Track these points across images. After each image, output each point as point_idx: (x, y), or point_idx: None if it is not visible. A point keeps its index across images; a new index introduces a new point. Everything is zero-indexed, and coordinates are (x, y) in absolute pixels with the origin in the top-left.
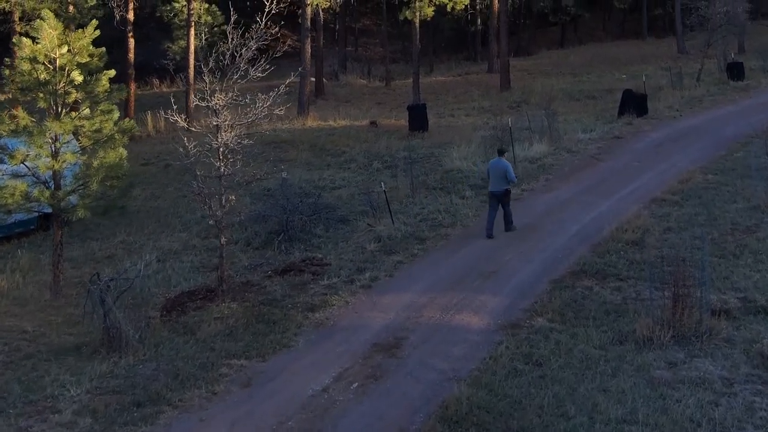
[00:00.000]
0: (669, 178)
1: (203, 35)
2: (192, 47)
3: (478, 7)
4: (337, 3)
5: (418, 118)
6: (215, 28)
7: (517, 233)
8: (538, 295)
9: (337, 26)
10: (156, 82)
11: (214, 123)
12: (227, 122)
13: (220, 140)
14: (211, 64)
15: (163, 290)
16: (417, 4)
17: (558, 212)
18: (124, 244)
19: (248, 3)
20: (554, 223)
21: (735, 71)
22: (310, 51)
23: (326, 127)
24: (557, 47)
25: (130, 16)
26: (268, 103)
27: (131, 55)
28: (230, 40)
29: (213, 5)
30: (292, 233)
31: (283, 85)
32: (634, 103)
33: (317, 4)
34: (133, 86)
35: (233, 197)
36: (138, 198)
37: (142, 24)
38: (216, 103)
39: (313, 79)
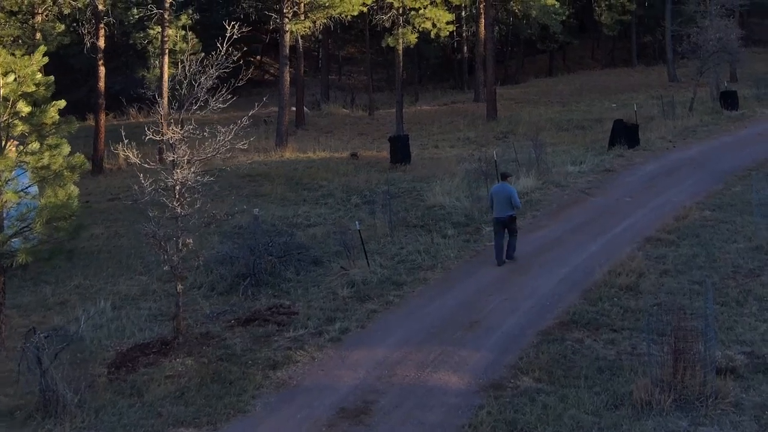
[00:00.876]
0: (664, 215)
1: (179, 63)
2: (166, 76)
3: (464, 34)
4: (318, 30)
5: (400, 150)
6: (192, 56)
7: (502, 277)
8: (523, 350)
9: (320, 54)
10: (133, 111)
11: (169, 159)
12: (185, 157)
13: (175, 177)
14: (166, 95)
15: (116, 342)
16: (400, 30)
17: (546, 253)
18: (80, 289)
19: (233, 29)
20: (542, 265)
21: (729, 100)
22: (288, 80)
23: (305, 159)
24: (546, 75)
25: (101, 43)
26: (229, 137)
27: (102, 84)
28: (188, 67)
29: (190, 32)
30: (259, 277)
31: (246, 117)
32: (625, 134)
33: (296, 32)
34: (103, 116)
35: (190, 240)
36: (100, 237)
37: (120, 51)
38: (171, 137)
39: (294, 108)
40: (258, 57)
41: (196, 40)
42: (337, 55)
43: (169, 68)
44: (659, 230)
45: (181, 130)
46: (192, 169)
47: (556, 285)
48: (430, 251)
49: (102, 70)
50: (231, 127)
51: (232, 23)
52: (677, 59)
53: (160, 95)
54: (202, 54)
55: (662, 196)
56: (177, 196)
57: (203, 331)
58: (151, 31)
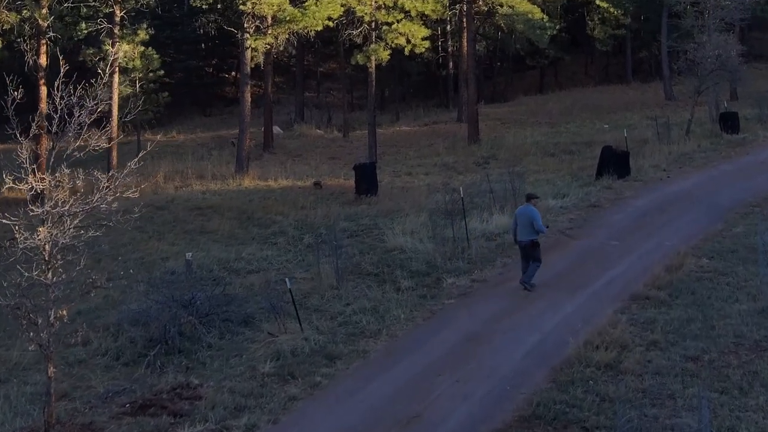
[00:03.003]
0: (654, 264)
1: (137, 82)
2: (116, 97)
3: (450, 49)
4: (280, 47)
5: (365, 180)
6: (151, 74)
7: (457, 349)
8: None
9: (296, 70)
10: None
11: (32, 212)
12: (57, 209)
13: (43, 235)
14: (116, 117)
15: None
16: (371, 47)
17: (513, 315)
18: None
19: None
20: (506, 332)
21: (729, 122)
22: (250, 100)
23: (264, 188)
24: (536, 92)
25: (42, 60)
26: (116, 182)
27: (43, 105)
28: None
29: (149, 48)
30: (173, 343)
31: (135, 162)
32: (614, 162)
33: (258, 48)
34: (44, 141)
35: (64, 311)
36: None
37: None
38: (35, 185)
39: (261, 128)
40: (234, 73)
41: (156, 56)
42: (315, 71)
43: (126, 87)
44: (648, 285)
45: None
46: (71, 224)
47: (522, 360)
48: (379, 310)
49: (43, 90)
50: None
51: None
52: (674, 76)
53: (111, 119)
54: (161, 72)
55: (653, 239)
56: (47, 259)
57: (86, 421)
58: (106, 46)
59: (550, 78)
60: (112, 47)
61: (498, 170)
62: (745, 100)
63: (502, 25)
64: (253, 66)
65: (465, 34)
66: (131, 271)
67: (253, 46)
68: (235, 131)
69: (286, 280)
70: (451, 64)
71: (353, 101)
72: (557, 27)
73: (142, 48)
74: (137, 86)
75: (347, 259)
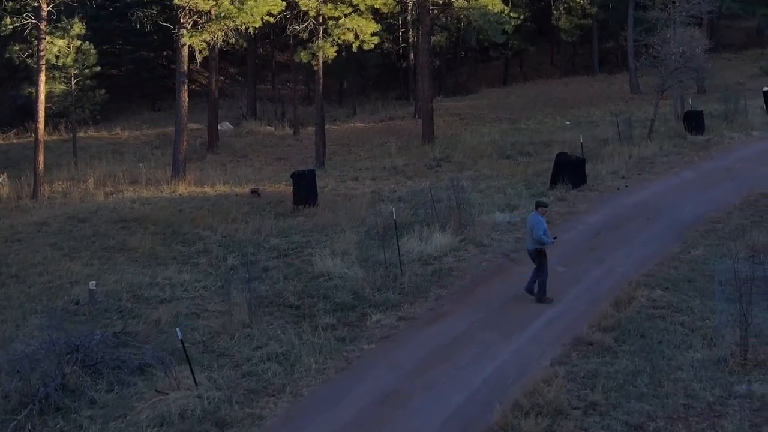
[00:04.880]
0: (602, 297)
1: (72, 78)
2: (42, 95)
3: (411, 40)
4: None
5: (304, 189)
6: (87, 70)
7: (367, 414)
8: None
9: (248, 63)
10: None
11: None
12: None
13: None
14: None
15: None
16: (316, 44)
17: (439, 365)
18: None
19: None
20: (429, 389)
21: (693, 122)
22: (186, 100)
23: (199, 195)
24: (501, 84)
25: None
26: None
27: None
28: None
29: (86, 42)
30: (51, 400)
31: None
32: (569, 171)
33: (194, 45)
34: None
35: None
36: None
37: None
38: None
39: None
40: (190, 65)
41: (93, 52)
42: (270, 62)
43: (60, 84)
44: (593, 325)
45: None
46: None
47: (440, 429)
48: (290, 357)
49: None
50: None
51: None
52: (640, 68)
53: (37, 118)
54: (98, 68)
55: (604, 265)
56: None
57: None
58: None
59: (516, 69)
60: (39, 44)
61: (450, 174)
62: (713, 94)
63: (461, 16)
64: (201, 59)
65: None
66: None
67: (188, 43)
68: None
69: (177, 330)
70: (411, 55)
71: (309, 93)
72: (521, 17)
73: (78, 42)
74: (73, 83)
75: (270, 286)
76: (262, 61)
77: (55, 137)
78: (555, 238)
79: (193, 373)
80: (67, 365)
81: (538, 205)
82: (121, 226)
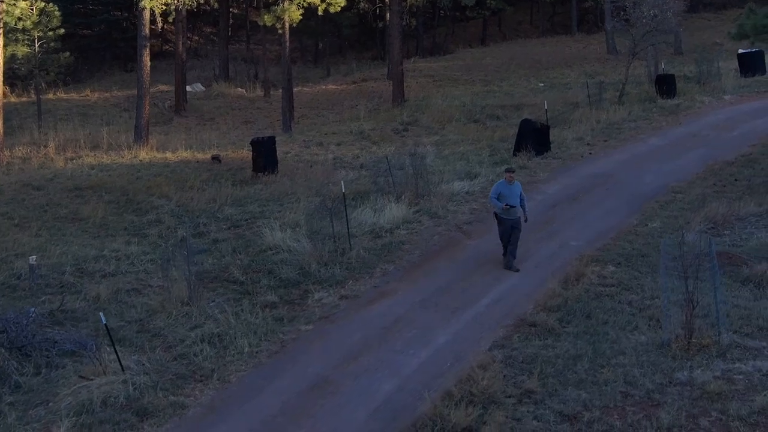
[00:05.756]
0: (551, 275)
1: (36, 41)
2: (0, 59)
3: (387, 0)
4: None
5: (264, 156)
6: (50, 32)
7: (294, 403)
8: None
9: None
10: None
11: None
12: None
13: None
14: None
15: None
16: (280, 6)
17: (373, 350)
18: None
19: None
20: (359, 376)
21: (665, 86)
22: (148, 64)
23: (160, 161)
24: (479, 44)
25: None
26: None
27: None
28: None
29: (50, 4)
30: None
31: None
32: (533, 138)
33: (153, 9)
34: None
35: None
36: None
37: None
38: None
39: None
40: (161, 24)
41: (57, 13)
42: (245, 21)
43: (23, 46)
44: (539, 306)
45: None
46: None
47: (366, 420)
48: (225, 339)
49: None
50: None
51: None
52: (616, 29)
53: None
54: (62, 30)
55: (558, 238)
56: None
57: None
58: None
59: (494, 29)
60: None
61: (416, 139)
62: (690, 54)
63: None
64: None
65: None
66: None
67: (147, 6)
68: (155, 89)
69: (101, 314)
70: (387, 15)
71: (264, 57)
72: None
73: (42, 4)
74: (36, 46)
75: (218, 260)
76: (238, 21)
77: (24, 99)
78: (507, 205)
79: (119, 358)
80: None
81: (506, 170)
82: (75, 194)
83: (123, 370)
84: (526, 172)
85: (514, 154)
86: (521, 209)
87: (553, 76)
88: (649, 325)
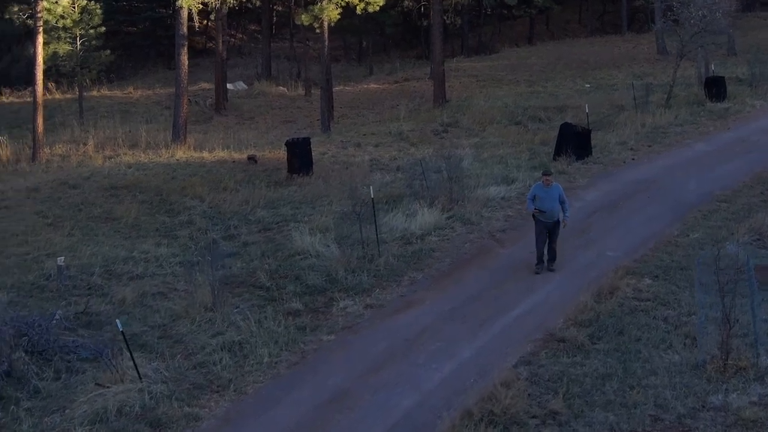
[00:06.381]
0: (584, 286)
1: (78, 39)
2: (40, 57)
3: None
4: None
5: (299, 157)
6: (92, 30)
7: (311, 417)
8: None
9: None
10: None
11: None
12: None
13: None
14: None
15: None
16: (317, 6)
17: (395, 363)
18: None
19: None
20: (379, 390)
21: (714, 89)
22: (186, 63)
23: (196, 161)
24: (526, 43)
25: None
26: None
27: None
28: None
29: (92, 2)
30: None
31: None
32: (573, 142)
33: (191, 8)
34: None
35: None
36: None
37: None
38: None
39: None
40: (204, 22)
41: (99, 11)
42: (289, 19)
43: (60, 44)
44: (569, 319)
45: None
46: None
47: None
48: (245, 347)
49: None
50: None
51: None
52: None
53: (35, 80)
54: (103, 28)
55: (594, 248)
56: None
57: None
58: (47, 3)
59: (541, 28)
60: (36, 4)
61: (455, 141)
62: (744, 56)
63: None
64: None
65: None
66: None
67: (185, 5)
68: (196, 87)
69: (117, 321)
70: (432, 13)
71: (329, 53)
72: None
73: (84, 2)
74: (78, 43)
75: (246, 264)
76: (281, 19)
77: (68, 95)
78: (537, 209)
79: (136, 366)
80: (14, 350)
81: (543, 173)
82: (110, 193)
83: (140, 378)
84: (565, 177)
85: (554, 159)
86: (561, 213)
87: (600, 77)
88: (684, 344)
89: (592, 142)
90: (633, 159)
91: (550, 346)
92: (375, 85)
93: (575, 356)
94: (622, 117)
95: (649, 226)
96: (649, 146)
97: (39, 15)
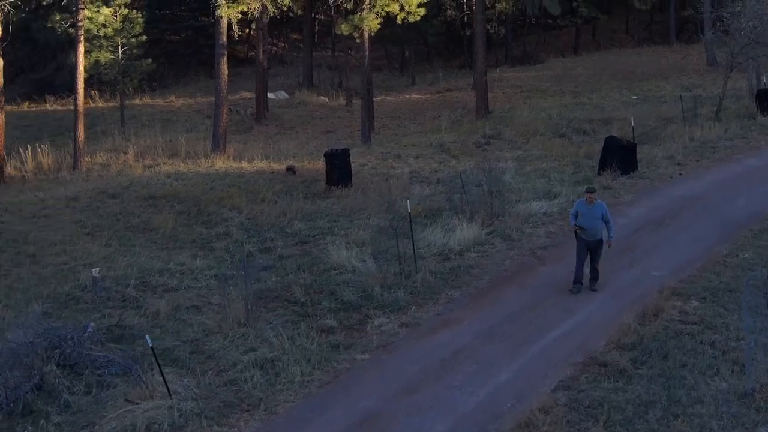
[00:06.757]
0: (627, 308)
1: (119, 47)
2: (81, 66)
3: (474, 7)
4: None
5: (337, 169)
6: (133, 39)
7: None
8: None
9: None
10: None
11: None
12: None
13: None
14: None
15: None
16: (357, 15)
17: (430, 384)
18: None
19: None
20: (412, 413)
21: (766, 102)
22: (226, 72)
23: (235, 171)
24: (571, 53)
25: None
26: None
27: None
28: None
29: (134, 11)
30: (24, 401)
31: None
32: (619, 156)
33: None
34: (1, 117)
35: None
36: None
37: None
38: None
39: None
40: (246, 31)
41: (140, 20)
42: (330, 28)
43: (101, 52)
44: (611, 342)
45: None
46: None
47: None
48: (277, 365)
49: None
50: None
51: None
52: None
53: (76, 89)
54: (144, 37)
55: (638, 266)
56: None
57: None
58: (88, 12)
59: (587, 37)
60: (76, 14)
61: (497, 153)
62: None
63: None
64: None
65: None
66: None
67: (224, 15)
68: (237, 96)
69: (147, 337)
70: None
71: (371, 62)
72: None
73: (126, 11)
74: (120, 52)
75: (281, 278)
76: (324, 27)
77: (111, 104)
78: (577, 226)
79: (166, 383)
80: (46, 363)
81: (586, 190)
82: (149, 203)
83: (170, 394)
84: (609, 192)
85: (599, 173)
86: (605, 232)
87: (647, 89)
88: (732, 371)
89: (638, 156)
90: (680, 174)
91: (590, 370)
92: (417, 95)
93: (617, 381)
94: (670, 130)
95: (696, 244)
96: (698, 161)
97: (80, 24)
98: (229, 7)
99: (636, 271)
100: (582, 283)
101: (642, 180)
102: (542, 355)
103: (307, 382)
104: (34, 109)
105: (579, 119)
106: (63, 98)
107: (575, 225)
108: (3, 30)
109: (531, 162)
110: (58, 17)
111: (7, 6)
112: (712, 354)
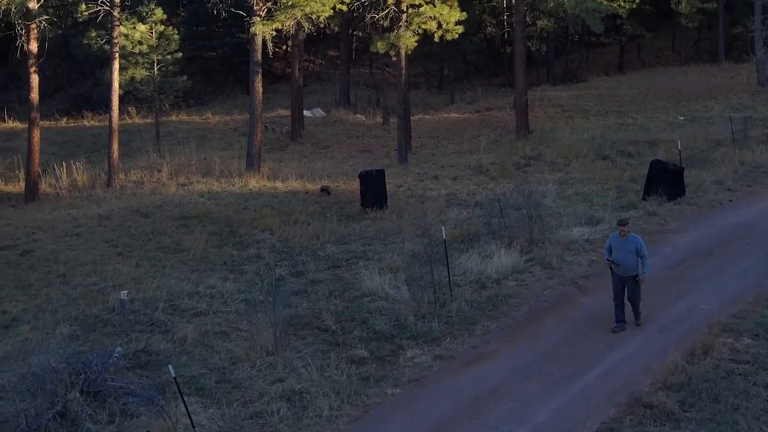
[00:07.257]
0: (675, 344)
1: (155, 64)
2: (116, 83)
3: (515, 24)
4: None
5: (373, 191)
6: (168, 56)
7: None
8: None
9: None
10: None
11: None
12: None
13: None
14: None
15: None
16: (393, 33)
17: (463, 423)
18: None
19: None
20: None
21: None
22: (260, 90)
23: (269, 191)
24: (615, 71)
25: (33, 46)
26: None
27: (35, 95)
28: None
29: (170, 27)
30: (48, 427)
31: None
32: (665, 180)
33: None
34: (37, 133)
35: None
36: None
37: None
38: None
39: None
40: (283, 47)
41: (176, 37)
42: (368, 46)
43: (137, 69)
44: (657, 381)
45: None
46: None
47: None
48: (305, 397)
49: (35, 79)
50: None
51: None
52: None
53: (111, 106)
54: (180, 54)
55: (686, 299)
56: None
57: None
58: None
59: (632, 55)
60: (112, 31)
61: (537, 176)
62: None
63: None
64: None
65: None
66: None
67: (258, 32)
68: (273, 114)
69: (169, 367)
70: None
71: (410, 79)
72: (636, 1)
73: (162, 28)
74: (155, 69)
75: (312, 303)
76: (362, 44)
77: (147, 120)
78: (610, 261)
79: (189, 415)
80: (70, 390)
81: (618, 223)
82: (181, 223)
83: (193, 426)
84: (655, 219)
85: (644, 198)
86: (640, 268)
87: (695, 109)
88: None
89: (686, 181)
90: (730, 200)
91: (635, 412)
92: (455, 114)
93: (663, 425)
94: (719, 153)
95: (747, 276)
96: (749, 186)
97: (115, 41)
98: (263, 25)
99: (683, 304)
100: (625, 322)
101: (689, 206)
102: (583, 394)
103: (336, 417)
104: (72, 124)
105: (623, 141)
106: (100, 114)
107: (608, 260)
108: (39, 47)
109: (573, 185)
110: (93, 34)
111: (44, 23)
112: (767, 397)
